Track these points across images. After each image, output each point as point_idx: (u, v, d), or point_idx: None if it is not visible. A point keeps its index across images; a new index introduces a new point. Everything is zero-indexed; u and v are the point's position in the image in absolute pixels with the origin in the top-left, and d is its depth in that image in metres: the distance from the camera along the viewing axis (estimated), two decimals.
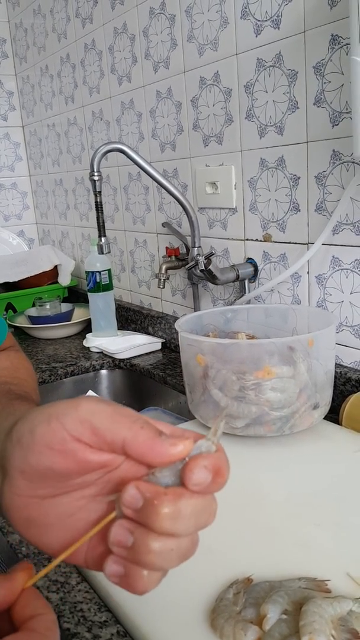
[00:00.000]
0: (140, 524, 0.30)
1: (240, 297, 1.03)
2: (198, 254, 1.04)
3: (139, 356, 1.24)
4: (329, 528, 0.55)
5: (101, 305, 1.31)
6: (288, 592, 0.44)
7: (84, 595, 0.52)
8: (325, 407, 0.74)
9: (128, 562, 0.30)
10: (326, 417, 0.76)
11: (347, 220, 0.82)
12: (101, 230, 1.03)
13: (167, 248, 1.18)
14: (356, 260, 0.82)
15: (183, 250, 1.17)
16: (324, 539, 0.53)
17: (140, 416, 0.32)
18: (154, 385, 1.15)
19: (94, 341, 1.30)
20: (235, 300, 1.06)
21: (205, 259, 0.99)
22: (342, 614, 0.42)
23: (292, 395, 0.70)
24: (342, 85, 0.77)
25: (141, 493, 0.30)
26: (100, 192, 1.00)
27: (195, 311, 1.11)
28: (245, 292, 1.03)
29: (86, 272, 1.29)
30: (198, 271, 1.01)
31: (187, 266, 1.04)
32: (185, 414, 1.00)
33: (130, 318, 1.41)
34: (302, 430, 0.73)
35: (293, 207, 0.91)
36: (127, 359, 1.23)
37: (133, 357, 1.23)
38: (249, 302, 1.02)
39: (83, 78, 1.45)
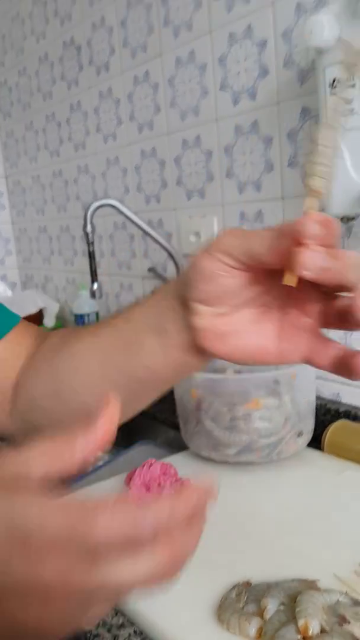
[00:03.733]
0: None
1: None
2: None
3: None
4: (317, 537, 0.62)
5: None
6: (284, 588, 0.51)
7: None
8: (308, 435, 0.83)
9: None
10: (310, 445, 0.84)
11: None
12: (93, 276, 1.11)
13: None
14: None
15: None
16: (313, 547, 0.61)
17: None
18: (144, 421, 1.22)
19: None
20: None
21: None
22: (331, 603, 0.49)
23: (278, 424, 0.79)
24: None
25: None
26: (93, 242, 1.09)
27: None
28: None
29: (75, 314, 1.37)
30: None
31: None
32: (175, 448, 1.06)
33: None
34: (288, 456, 0.80)
35: None
36: None
37: None
38: None
39: (69, 135, 1.56)
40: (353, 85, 0.36)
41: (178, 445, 0.93)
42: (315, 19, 0.71)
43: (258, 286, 0.39)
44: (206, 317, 0.40)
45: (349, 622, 0.48)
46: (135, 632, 0.53)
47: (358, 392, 0.89)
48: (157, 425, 1.17)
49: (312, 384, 0.84)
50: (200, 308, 0.40)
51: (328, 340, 0.39)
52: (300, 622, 0.46)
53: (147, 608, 0.54)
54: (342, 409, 0.89)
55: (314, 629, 0.46)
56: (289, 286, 0.36)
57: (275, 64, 0.92)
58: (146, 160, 1.27)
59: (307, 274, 0.34)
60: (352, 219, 0.82)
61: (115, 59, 1.31)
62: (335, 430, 0.82)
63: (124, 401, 0.40)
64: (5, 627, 0.27)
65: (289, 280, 0.35)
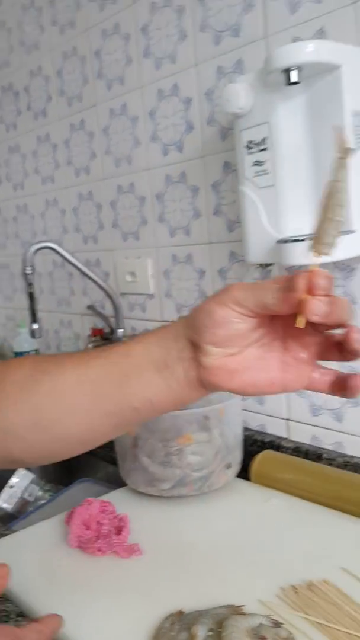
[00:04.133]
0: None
1: None
2: (123, 336, 1.17)
3: None
4: (245, 566, 0.67)
5: None
6: (212, 615, 0.56)
7: None
8: (236, 467, 0.88)
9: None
10: (238, 475, 0.90)
11: None
12: (34, 316, 1.14)
13: (92, 329, 1.30)
14: None
15: (107, 329, 1.30)
16: (240, 574, 0.66)
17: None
18: (83, 457, 1.24)
19: None
20: None
21: (128, 339, 1.12)
22: (254, 625, 0.54)
23: (209, 458, 0.84)
24: (234, 200, 0.96)
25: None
26: (32, 283, 1.12)
27: None
28: None
29: (15, 352, 1.39)
30: None
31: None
32: (114, 483, 1.09)
33: None
34: (218, 488, 0.85)
35: (201, 294, 1.07)
36: None
37: None
38: None
39: (6, 175, 1.59)
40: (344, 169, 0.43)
41: (116, 481, 0.96)
42: (232, 87, 0.78)
43: (263, 328, 0.46)
44: (217, 358, 0.45)
45: None
46: None
47: (282, 422, 0.96)
48: (96, 461, 1.20)
49: (239, 418, 0.90)
50: (212, 350, 0.45)
51: (324, 369, 0.47)
52: None
53: (81, 636, 0.57)
54: (267, 439, 0.95)
55: None
56: (288, 325, 0.44)
57: (200, 120, 1.00)
58: (83, 202, 1.32)
59: (316, 318, 0.41)
60: (269, 265, 0.90)
61: (52, 105, 1.36)
62: (261, 460, 0.88)
63: (115, 425, 0.50)
64: None
65: (300, 322, 0.42)
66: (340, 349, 0.45)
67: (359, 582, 0.62)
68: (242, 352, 0.46)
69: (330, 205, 0.43)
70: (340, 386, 0.46)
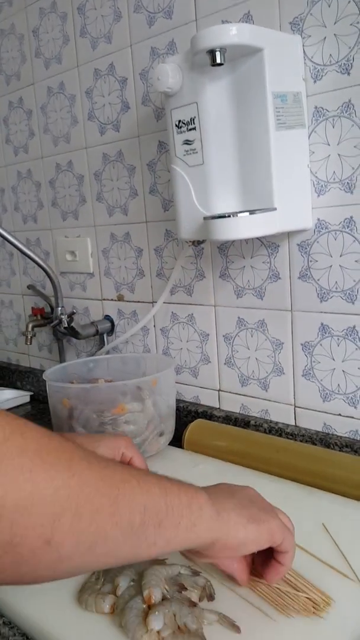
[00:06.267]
0: None
1: (100, 349, 1.19)
2: (61, 313, 1.19)
3: (9, 409, 1.34)
4: None
5: None
6: (134, 567, 0.59)
7: None
8: (169, 435, 0.92)
9: None
10: (172, 444, 0.94)
11: (180, 284, 1.02)
12: None
13: (32, 308, 1.31)
14: (189, 314, 1.02)
15: (48, 309, 1.31)
16: None
17: None
18: None
19: None
20: (96, 352, 1.22)
21: (67, 317, 1.14)
22: (173, 574, 0.58)
23: (142, 426, 0.87)
24: (169, 180, 0.99)
25: None
26: None
27: (61, 363, 1.24)
28: (104, 345, 1.19)
29: None
30: (62, 328, 1.16)
31: (51, 324, 1.19)
32: None
33: None
34: (152, 455, 0.89)
35: (139, 272, 1.10)
36: None
37: None
38: (107, 352, 1.18)
39: None
40: None
41: None
42: (162, 67, 0.81)
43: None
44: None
45: (187, 590, 0.57)
46: (4, 623, 0.59)
47: (214, 394, 1.00)
48: None
49: (172, 389, 0.94)
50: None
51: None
52: (145, 593, 0.54)
53: (13, 599, 0.60)
54: (200, 410, 1.00)
55: (156, 597, 0.54)
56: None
57: (135, 100, 1.02)
58: (22, 181, 1.32)
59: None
60: (201, 242, 0.93)
61: None
62: (193, 428, 0.92)
63: None
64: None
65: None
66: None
67: None
68: None
69: None
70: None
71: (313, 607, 0.54)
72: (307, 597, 0.55)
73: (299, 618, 0.53)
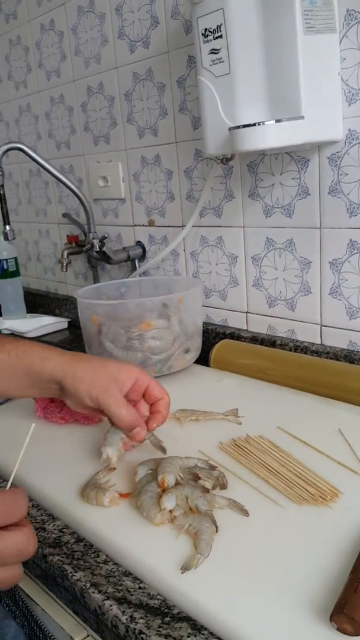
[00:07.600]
0: None
1: (132, 274, 1.21)
2: (93, 238, 1.21)
3: (47, 334, 1.38)
4: (189, 426, 0.74)
5: (9, 291, 1.44)
6: (154, 459, 0.62)
7: None
8: (195, 352, 0.94)
9: None
10: (198, 362, 0.96)
11: (209, 205, 1.02)
12: (5, 219, 1.17)
13: (67, 236, 1.33)
14: (218, 237, 1.02)
15: (82, 237, 1.33)
16: (187, 431, 0.72)
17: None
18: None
19: (5, 323, 1.43)
20: (128, 277, 1.24)
21: (99, 242, 1.16)
22: (189, 465, 0.61)
23: (167, 343, 0.89)
24: (197, 97, 0.97)
25: None
26: (2, 185, 1.14)
27: None
28: (136, 270, 1.21)
29: None
30: (94, 253, 1.18)
31: (84, 249, 1.21)
32: None
33: (38, 303, 1.55)
34: (178, 370, 0.92)
35: (169, 196, 1.10)
36: (36, 337, 1.37)
37: (42, 336, 1.38)
38: (139, 277, 1.20)
39: None
40: None
41: None
42: None
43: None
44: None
45: (201, 479, 0.60)
46: (32, 505, 0.63)
47: (242, 316, 1.01)
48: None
49: (199, 308, 0.95)
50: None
51: None
52: (159, 477, 0.58)
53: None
54: (228, 332, 1.01)
55: (169, 481, 0.57)
56: None
57: (164, 14, 0.99)
58: (55, 106, 1.32)
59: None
60: (230, 159, 0.92)
61: (22, 7, 1.33)
62: (219, 347, 0.93)
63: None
64: None
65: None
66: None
67: (288, 437, 0.69)
68: None
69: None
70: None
71: (321, 497, 0.56)
72: (316, 489, 0.57)
73: (307, 507, 0.55)
